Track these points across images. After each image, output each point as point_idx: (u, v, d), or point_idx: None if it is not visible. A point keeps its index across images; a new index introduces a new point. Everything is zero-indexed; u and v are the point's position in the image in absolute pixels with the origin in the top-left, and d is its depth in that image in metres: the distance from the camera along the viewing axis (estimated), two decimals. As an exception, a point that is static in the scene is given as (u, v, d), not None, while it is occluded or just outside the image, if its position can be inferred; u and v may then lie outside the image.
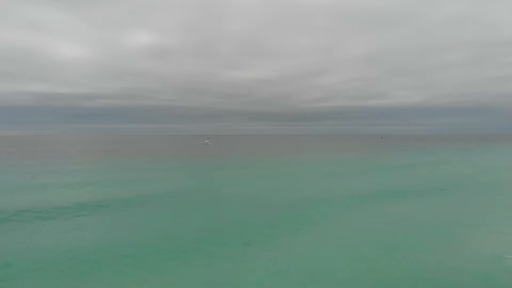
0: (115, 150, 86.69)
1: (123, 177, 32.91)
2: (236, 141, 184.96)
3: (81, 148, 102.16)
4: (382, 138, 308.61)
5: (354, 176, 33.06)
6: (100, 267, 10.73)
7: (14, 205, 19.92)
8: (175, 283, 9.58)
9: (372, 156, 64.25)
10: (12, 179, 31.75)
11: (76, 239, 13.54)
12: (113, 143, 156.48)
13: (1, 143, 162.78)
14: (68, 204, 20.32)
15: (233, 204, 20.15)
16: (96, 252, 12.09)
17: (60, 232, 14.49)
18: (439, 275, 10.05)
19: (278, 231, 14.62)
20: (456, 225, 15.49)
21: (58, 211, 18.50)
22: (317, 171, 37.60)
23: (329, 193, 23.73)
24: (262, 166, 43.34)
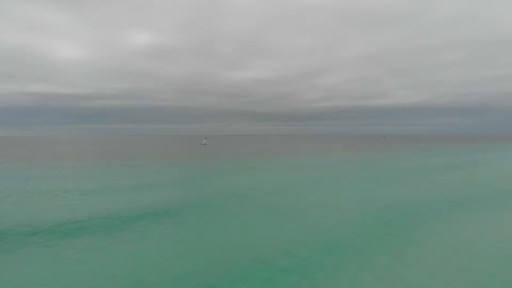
0: (116, 152, 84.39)
1: (130, 182, 30.46)
2: (239, 142, 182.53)
3: (82, 149, 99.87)
4: (385, 138, 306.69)
5: (393, 182, 29.85)
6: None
7: (12, 218, 17.48)
8: None
9: (392, 157, 61.61)
10: (13, 183, 29.34)
11: (79, 268, 11.06)
12: (114, 144, 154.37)
13: (1, 144, 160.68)
14: (73, 216, 17.87)
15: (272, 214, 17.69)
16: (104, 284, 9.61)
17: (59, 258, 12.02)
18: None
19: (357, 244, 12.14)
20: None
21: (68, 226, 16.03)
22: (347, 176, 35.02)
23: (385, 200, 21.30)
24: (285, 169, 40.84)
